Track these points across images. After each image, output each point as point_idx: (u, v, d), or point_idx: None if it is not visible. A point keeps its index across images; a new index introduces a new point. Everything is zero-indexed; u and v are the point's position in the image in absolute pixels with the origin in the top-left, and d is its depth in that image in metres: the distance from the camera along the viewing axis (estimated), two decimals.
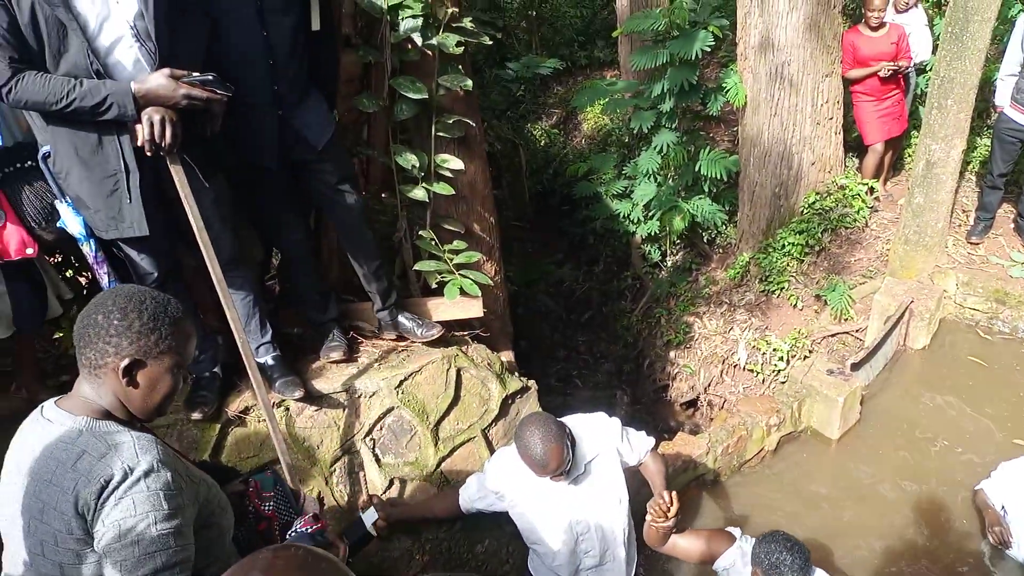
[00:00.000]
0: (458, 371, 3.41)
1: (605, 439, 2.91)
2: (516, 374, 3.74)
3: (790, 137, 5.36)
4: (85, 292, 3.03)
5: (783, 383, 4.85)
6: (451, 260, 3.47)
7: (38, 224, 2.50)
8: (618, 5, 7.45)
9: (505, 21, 9.34)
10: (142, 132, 2.24)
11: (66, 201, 2.39)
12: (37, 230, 2.51)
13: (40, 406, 1.69)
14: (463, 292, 3.41)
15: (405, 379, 3.26)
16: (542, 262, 7.98)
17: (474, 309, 3.59)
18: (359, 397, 3.18)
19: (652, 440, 3.09)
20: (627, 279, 7.03)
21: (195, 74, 2.26)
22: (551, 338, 7.28)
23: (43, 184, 2.47)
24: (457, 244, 3.52)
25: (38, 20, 2.10)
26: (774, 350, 5.05)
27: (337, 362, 3.24)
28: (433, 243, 3.50)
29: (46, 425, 1.62)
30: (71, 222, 2.40)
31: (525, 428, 2.71)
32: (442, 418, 3.32)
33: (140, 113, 2.23)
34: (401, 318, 3.36)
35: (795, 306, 5.27)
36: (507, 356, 4.02)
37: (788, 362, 4.97)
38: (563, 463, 2.67)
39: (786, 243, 5.43)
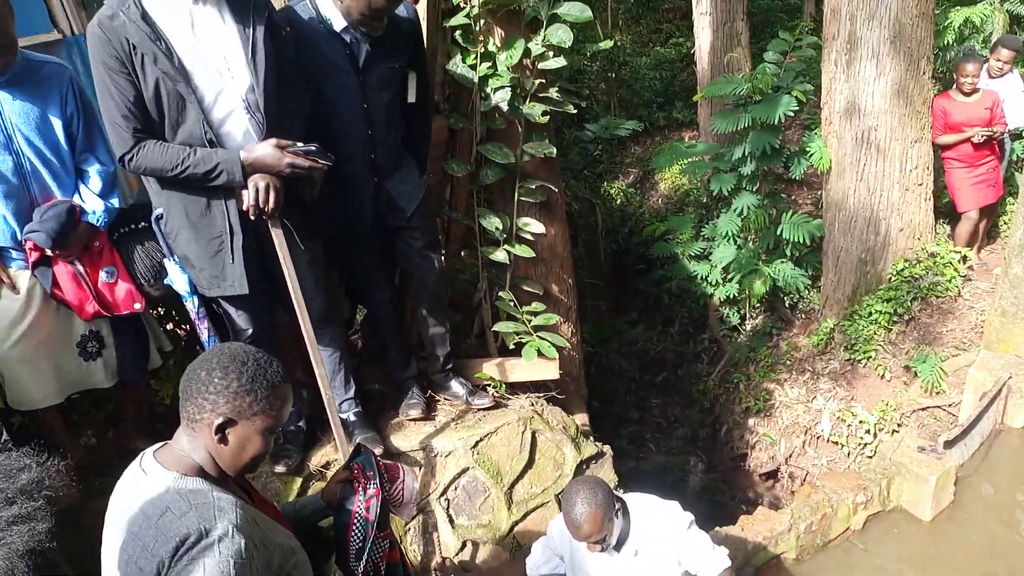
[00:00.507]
0: (533, 434, 3.40)
1: (667, 531, 2.75)
2: (591, 439, 3.71)
3: (877, 202, 5.23)
4: (183, 344, 3.19)
5: (870, 458, 4.63)
6: (529, 321, 3.49)
7: (147, 281, 2.65)
8: (698, 68, 7.52)
9: (585, 85, 9.52)
10: (248, 197, 2.38)
11: (174, 260, 2.54)
12: (145, 287, 2.66)
13: (141, 455, 1.75)
14: (540, 354, 3.42)
15: (481, 440, 3.27)
16: (616, 321, 7.93)
17: (550, 371, 3.59)
18: (435, 456, 3.20)
19: (726, 561, 2.78)
20: (703, 342, 6.91)
21: (299, 144, 2.39)
22: (624, 399, 7.18)
23: (153, 244, 2.64)
24: (536, 306, 3.55)
25: (160, 94, 2.27)
26: (860, 422, 4.85)
27: (415, 420, 3.29)
28: (512, 304, 3.54)
29: (141, 477, 1.68)
30: (178, 279, 2.54)
31: (572, 486, 2.67)
32: (516, 481, 3.31)
33: (247, 179, 2.37)
34: (454, 383, 3.42)
35: (883, 377, 5.06)
36: (582, 419, 3.99)
37: (875, 436, 4.75)
38: (598, 532, 2.58)
39: (873, 311, 5.24)
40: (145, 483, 1.65)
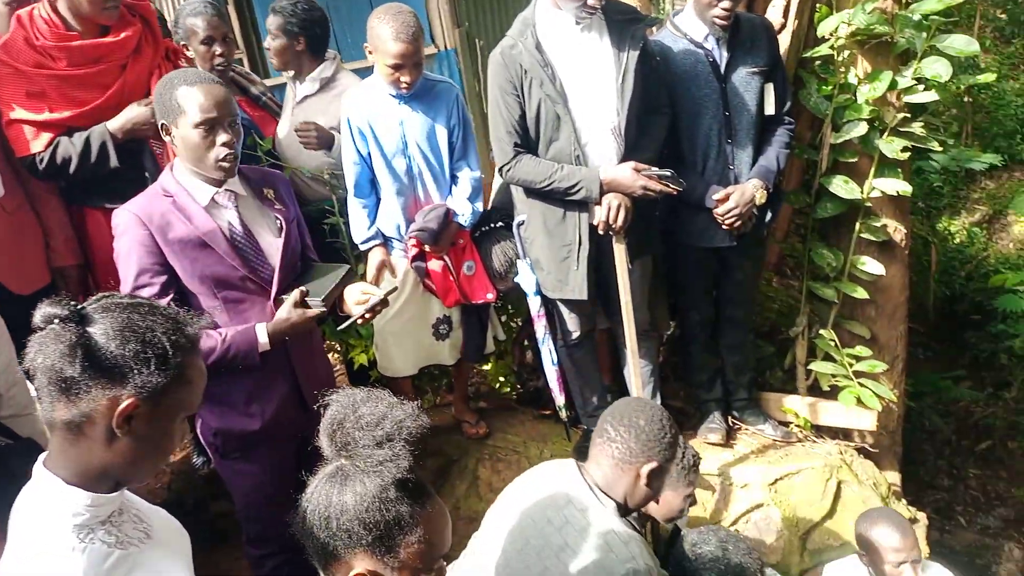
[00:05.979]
0: (839, 484, 3.21)
1: None
2: (903, 502, 3.41)
3: None
4: (514, 336, 3.53)
5: None
6: (851, 365, 3.30)
7: (499, 276, 2.97)
8: None
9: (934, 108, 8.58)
10: (600, 213, 2.57)
11: (527, 261, 2.83)
12: (496, 281, 2.99)
13: (568, 463, 2.00)
14: (859, 401, 3.22)
15: (780, 478, 3.17)
16: (936, 375, 7.10)
17: (866, 421, 3.36)
18: (730, 485, 3.17)
19: None
20: None
21: (654, 169, 2.53)
22: (933, 463, 6.42)
23: (509, 243, 2.94)
24: (860, 350, 3.34)
25: (540, 114, 2.55)
26: None
27: (713, 444, 3.29)
28: (833, 344, 3.37)
29: (588, 496, 1.89)
30: (526, 279, 2.84)
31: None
32: (812, 528, 3.16)
33: (602, 197, 2.56)
34: (757, 415, 3.37)
35: None
36: (893, 478, 3.67)
37: None
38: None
39: None
40: (596, 511, 1.87)
